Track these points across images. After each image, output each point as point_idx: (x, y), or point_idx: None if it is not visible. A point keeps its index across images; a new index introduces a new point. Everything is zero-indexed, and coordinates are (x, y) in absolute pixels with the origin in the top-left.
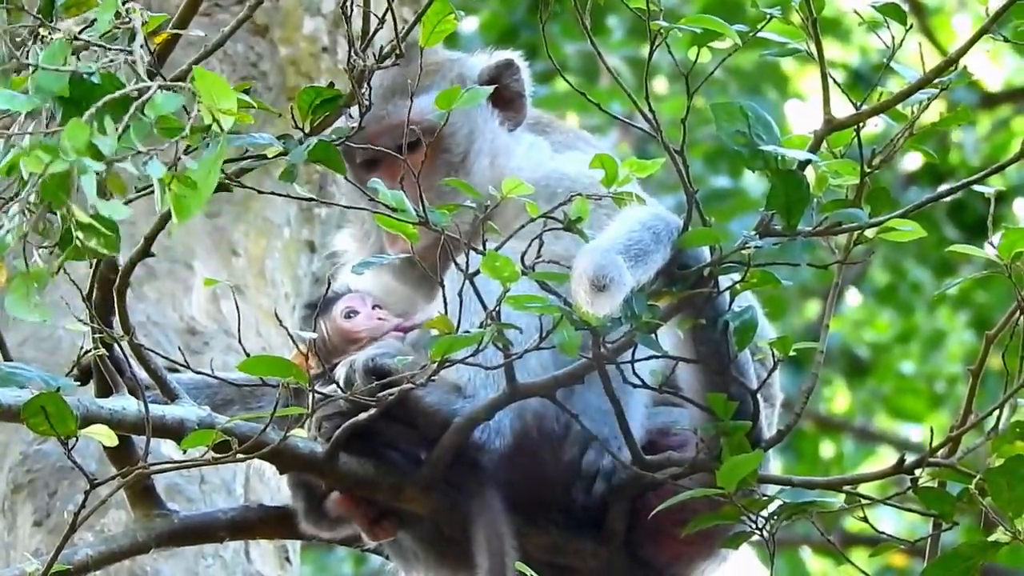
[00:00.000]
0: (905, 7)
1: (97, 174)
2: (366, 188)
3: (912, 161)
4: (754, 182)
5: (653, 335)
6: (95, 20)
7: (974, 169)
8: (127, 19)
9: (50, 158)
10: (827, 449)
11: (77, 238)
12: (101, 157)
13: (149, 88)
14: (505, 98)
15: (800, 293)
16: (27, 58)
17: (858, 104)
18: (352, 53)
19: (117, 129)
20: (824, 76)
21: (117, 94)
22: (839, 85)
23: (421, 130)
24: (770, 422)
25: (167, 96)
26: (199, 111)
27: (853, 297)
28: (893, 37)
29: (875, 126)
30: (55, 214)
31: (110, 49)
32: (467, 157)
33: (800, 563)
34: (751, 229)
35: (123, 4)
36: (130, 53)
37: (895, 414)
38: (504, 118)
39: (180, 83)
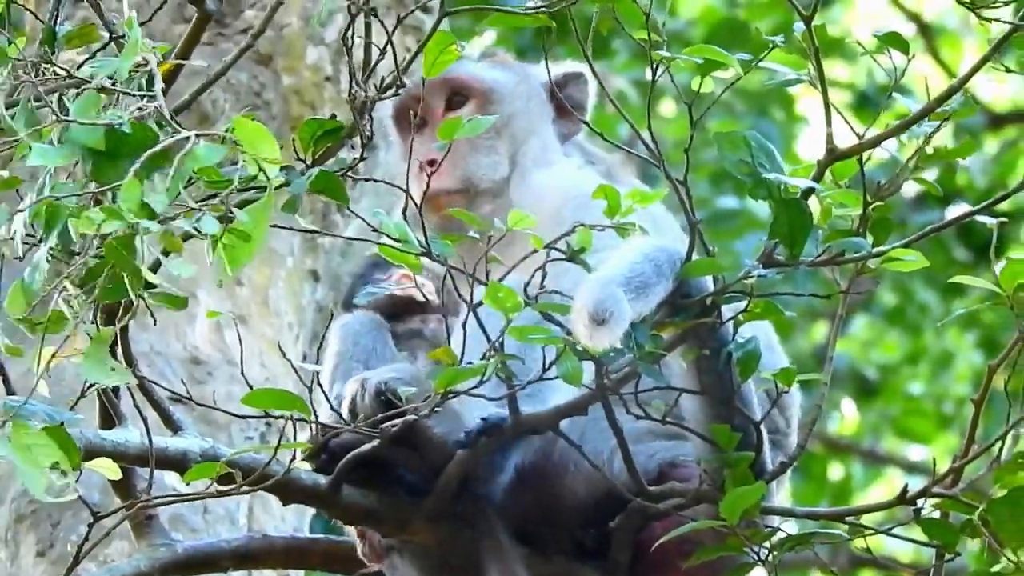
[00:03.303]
0: (912, 29)
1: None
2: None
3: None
4: (759, 203)
5: (657, 365)
6: (96, 52)
7: (981, 191)
8: (144, 62)
9: (102, 218)
10: (836, 471)
11: (141, 296)
12: (154, 215)
13: (185, 138)
14: (565, 109)
15: (808, 315)
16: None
17: (860, 134)
18: (353, 84)
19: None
20: (827, 106)
21: (158, 147)
22: (841, 114)
23: (471, 91)
24: (787, 453)
25: (209, 148)
26: (243, 161)
27: (861, 318)
28: (895, 66)
29: (883, 154)
30: (78, 255)
31: (132, 95)
32: (505, 130)
33: None
34: (754, 258)
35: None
36: (153, 98)
37: (903, 435)
38: (559, 126)
39: (217, 132)
